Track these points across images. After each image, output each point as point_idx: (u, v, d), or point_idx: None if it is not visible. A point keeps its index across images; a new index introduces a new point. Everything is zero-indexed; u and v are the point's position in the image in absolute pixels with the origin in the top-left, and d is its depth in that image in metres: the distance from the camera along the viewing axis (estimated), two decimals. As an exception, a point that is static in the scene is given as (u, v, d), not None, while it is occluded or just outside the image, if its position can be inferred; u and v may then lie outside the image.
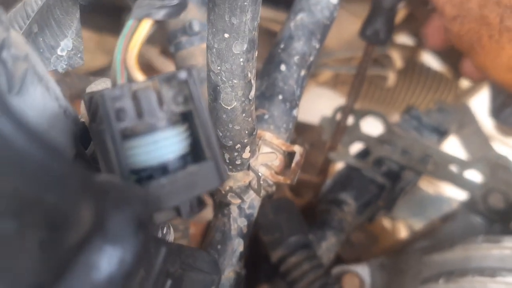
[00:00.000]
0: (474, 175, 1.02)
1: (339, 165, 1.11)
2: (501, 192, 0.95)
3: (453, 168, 1.00)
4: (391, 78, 1.36)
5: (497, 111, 0.84)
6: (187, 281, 0.30)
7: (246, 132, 0.45)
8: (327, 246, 0.91)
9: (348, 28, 1.37)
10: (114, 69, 0.35)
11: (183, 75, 0.30)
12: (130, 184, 0.27)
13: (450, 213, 1.03)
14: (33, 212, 0.17)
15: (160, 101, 0.30)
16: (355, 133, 1.02)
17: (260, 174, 0.49)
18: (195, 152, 0.31)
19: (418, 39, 1.56)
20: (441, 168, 1.00)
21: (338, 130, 1.02)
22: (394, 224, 1.37)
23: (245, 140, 0.46)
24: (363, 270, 0.89)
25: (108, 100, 0.29)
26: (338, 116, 1.06)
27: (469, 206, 0.98)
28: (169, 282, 0.28)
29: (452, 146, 1.18)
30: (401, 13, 1.38)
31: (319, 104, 1.55)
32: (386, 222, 1.34)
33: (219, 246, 0.52)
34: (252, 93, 0.43)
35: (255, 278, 0.89)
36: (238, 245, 0.51)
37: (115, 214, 0.21)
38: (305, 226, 0.88)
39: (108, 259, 0.19)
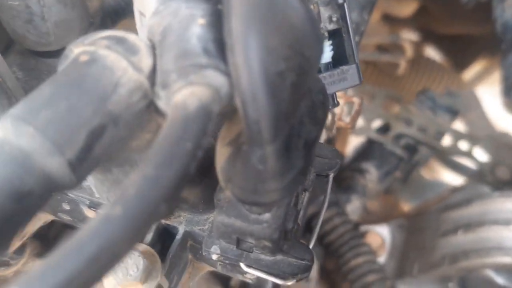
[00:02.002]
0: (480, 153, 1.13)
1: (356, 140, 1.20)
2: (507, 166, 1.06)
3: (464, 144, 1.11)
4: (403, 65, 1.47)
5: (509, 90, 0.94)
6: (317, 163, 0.39)
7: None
8: (352, 208, 1.01)
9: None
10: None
11: (340, -1, 0.39)
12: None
13: (459, 185, 1.13)
14: (295, 60, 0.25)
15: (319, 18, 0.39)
16: (376, 111, 1.12)
17: (334, 112, 0.58)
18: (336, 63, 0.40)
19: (426, 33, 1.67)
20: (453, 144, 1.11)
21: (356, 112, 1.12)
22: (397, 203, 1.47)
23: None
24: (383, 230, 0.99)
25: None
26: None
27: (477, 177, 1.08)
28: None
29: (459, 129, 1.29)
30: (412, 6, 1.48)
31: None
32: (391, 199, 1.43)
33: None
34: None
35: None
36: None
37: (314, 82, 0.30)
38: (334, 187, 0.97)
39: (315, 110, 0.28)
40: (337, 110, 0.62)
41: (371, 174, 1.05)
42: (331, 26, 0.38)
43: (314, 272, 0.94)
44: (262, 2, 0.23)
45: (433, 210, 0.97)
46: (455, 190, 1.12)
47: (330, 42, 0.39)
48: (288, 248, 0.35)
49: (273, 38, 0.24)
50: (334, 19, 0.38)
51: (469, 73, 1.67)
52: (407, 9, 1.47)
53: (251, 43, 0.23)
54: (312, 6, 0.37)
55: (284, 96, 0.25)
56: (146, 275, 0.37)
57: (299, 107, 0.27)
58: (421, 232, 0.94)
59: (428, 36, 1.73)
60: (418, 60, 1.59)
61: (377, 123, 1.13)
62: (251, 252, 0.35)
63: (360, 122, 1.14)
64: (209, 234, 0.36)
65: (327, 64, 0.40)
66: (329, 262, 0.97)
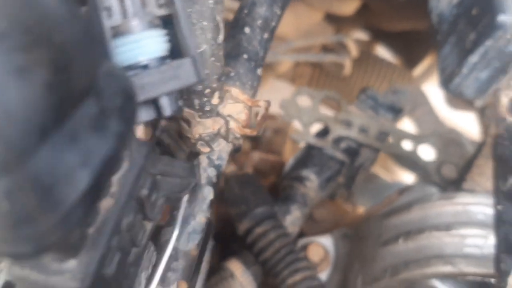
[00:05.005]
0: (427, 150, 1.07)
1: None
2: (454, 164, 1.00)
3: (408, 144, 1.05)
4: (348, 66, 1.42)
5: (446, 82, 0.88)
6: (166, 185, 0.32)
7: (215, 76, 0.47)
8: (292, 219, 0.94)
9: (306, 18, 1.42)
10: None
11: (166, -23, 0.32)
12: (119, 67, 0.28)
13: (405, 186, 1.07)
14: (42, 49, 0.18)
15: (143, 3, 0.32)
16: (314, 114, 1.06)
17: (228, 119, 0.51)
18: (174, 56, 0.33)
19: (375, 31, 1.63)
20: (396, 144, 1.05)
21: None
22: (354, 209, 1.41)
23: (214, 85, 0.48)
24: (327, 241, 0.93)
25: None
26: (298, 99, 1.09)
27: (423, 177, 1.03)
28: (149, 181, 0.29)
29: (407, 127, 1.24)
30: (354, 4, 1.43)
31: (279, 96, 1.59)
32: (347, 207, 1.37)
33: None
34: (221, 37, 0.45)
35: (223, 256, 0.91)
36: (208, 193, 0.52)
37: (108, 83, 0.22)
38: (270, 199, 0.90)
39: (104, 119, 0.21)
40: (242, 116, 0.55)
41: (312, 182, 0.99)
42: (161, 12, 0.31)
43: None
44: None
45: (376, 216, 0.91)
46: (402, 191, 1.06)
47: (166, 31, 0.32)
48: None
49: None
50: (162, 1, 0.30)
51: (420, 69, 1.63)
52: (349, 7, 1.42)
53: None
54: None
55: (31, 103, 0.17)
56: None
57: (69, 119, 0.19)
58: (364, 241, 0.88)
59: (377, 34, 1.69)
60: (365, 59, 1.54)
61: (316, 127, 1.07)
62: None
63: (298, 126, 1.07)
64: (18, 289, 0.28)
65: (163, 58, 0.33)
66: (268, 281, 0.90)
